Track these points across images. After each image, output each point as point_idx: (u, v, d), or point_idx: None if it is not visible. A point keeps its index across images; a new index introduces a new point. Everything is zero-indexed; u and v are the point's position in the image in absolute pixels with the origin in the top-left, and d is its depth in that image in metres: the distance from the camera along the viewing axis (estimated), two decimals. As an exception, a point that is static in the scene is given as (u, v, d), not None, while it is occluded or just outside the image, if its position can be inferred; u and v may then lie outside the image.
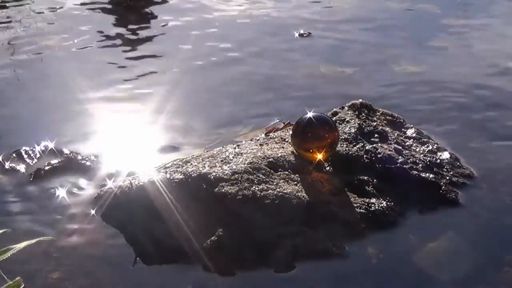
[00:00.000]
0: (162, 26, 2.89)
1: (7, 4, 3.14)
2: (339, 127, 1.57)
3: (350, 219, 1.32)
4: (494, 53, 2.53)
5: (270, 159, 1.42)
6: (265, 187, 1.32)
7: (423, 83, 2.20)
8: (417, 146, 1.61)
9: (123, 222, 1.35)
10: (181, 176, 1.34)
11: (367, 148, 1.50)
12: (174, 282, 1.21)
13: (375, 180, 1.43)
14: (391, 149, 1.53)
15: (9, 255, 0.91)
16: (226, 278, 1.21)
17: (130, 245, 1.30)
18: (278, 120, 1.84)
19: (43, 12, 3.03)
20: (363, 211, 1.34)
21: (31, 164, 1.61)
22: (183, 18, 3.00)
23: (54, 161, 1.60)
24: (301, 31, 2.73)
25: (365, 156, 1.48)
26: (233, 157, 1.43)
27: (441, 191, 1.44)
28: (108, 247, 1.30)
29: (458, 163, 1.58)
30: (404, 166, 1.48)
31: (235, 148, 1.50)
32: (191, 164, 1.41)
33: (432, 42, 2.67)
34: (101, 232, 1.34)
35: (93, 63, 2.37)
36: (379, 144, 1.54)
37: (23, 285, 0.89)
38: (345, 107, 1.70)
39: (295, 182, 1.37)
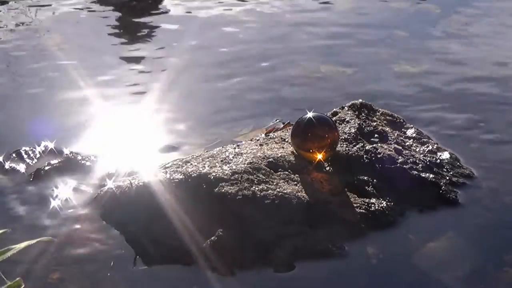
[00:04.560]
0: (162, 26, 2.89)
1: (6, 4, 3.14)
2: (339, 127, 1.57)
3: (350, 219, 1.32)
4: (494, 53, 2.53)
5: (270, 159, 1.42)
6: (265, 187, 1.32)
7: (423, 83, 2.20)
8: (417, 146, 1.61)
9: (123, 222, 1.35)
10: (181, 176, 1.34)
11: (367, 148, 1.50)
12: (174, 282, 1.21)
13: (375, 180, 1.43)
14: (391, 149, 1.53)
15: (9, 255, 0.91)
16: (226, 278, 1.21)
17: (130, 245, 1.30)
18: (278, 120, 1.84)
19: (42, 12, 3.03)
20: (363, 211, 1.34)
21: (31, 164, 1.61)
22: (184, 18, 3.00)
23: (54, 161, 1.60)
24: None
25: (365, 156, 1.48)
26: (233, 157, 1.43)
27: (441, 191, 1.44)
28: (108, 247, 1.30)
29: (458, 163, 1.58)
30: (404, 166, 1.48)
31: (235, 148, 1.50)
32: (191, 164, 1.41)
33: (432, 42, 2.67)
34: (101, 232, 1.34)
35: (92, 63, 2.37)
36: (379, 144, 1.54)
37: (23, 286, 0.89)
38: (345, 107, 1.70)
39: (295, 182, 1.37)
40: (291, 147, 1.49)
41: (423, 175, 1.47)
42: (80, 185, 1.51)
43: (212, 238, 1.23)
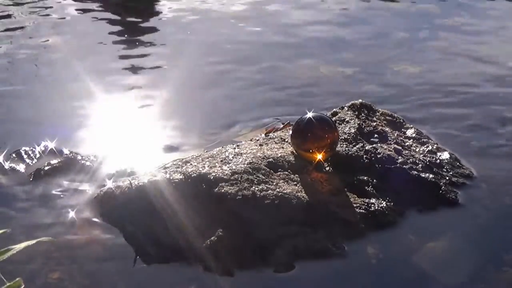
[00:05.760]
0: (162, 26, 2.89)
1: (6, 4, 3.14)
2: (339, 127, 1.57)
3: (350, 219, 1.32)
4: (494, 53, 2.54)
5: (270, 159, 1.42)
6: (265, 187, 1.32)
7: (422, 83, 2.20)
8: (417, 146, 1.61)
9: (123, 222, 1.35)
10: (181, 176, 1.34)
11: (367, 148, 1.50)
12: (174, 282, 1.21)
13: (375, 180, 1.43)
14: (391, 149, 1.53)
15: (9, 255, 0.91)
16: (226, 278, 1.21)
17: (130, 245, 1.30)
18: (278, 120, 1.84)
19: (42, 12, 3.03)
20: (363, 211, 1.34)
21: (31, 164, 1.61)
22: (183, 18, 3.00)
23: (54, 161, 1.60)
24: None
25: (365, 156, 1.48)
26: (232, 157, 1.43)
27: (441, 191, 1.44)
28: (108, 247, 1.30)
29: (458, 163, 1.58)
30: (404, 166, 1.48)
31: (234, 148, 1.50)
32: (191, 164, 1.41)
33: (432, 42, 2.67)
34: (101, 232, 1.34)
35: (92, 64, 2.37)
36: (379, 144, 1.54)
37: (23, 286, 0.89)
38: (345, 107, 1.70)
39: (295, 182, 1.37)
40: (291, 147, 1.49)
41: (423, 175, 1.47)
42: (80, 185, 1.51)
43: (212, 238, 1.23)
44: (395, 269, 1.24)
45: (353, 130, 1.56)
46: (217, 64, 2.38)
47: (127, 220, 1.35)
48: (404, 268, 1.24)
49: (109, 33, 2.76)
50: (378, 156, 1.48)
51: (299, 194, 1.32)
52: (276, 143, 1.54)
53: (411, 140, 1.63)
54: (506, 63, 2.43)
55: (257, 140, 1.58)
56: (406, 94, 2.10)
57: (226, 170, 1.35)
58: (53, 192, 1.49)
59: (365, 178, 1.43)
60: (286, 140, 1.55)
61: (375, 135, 1.59)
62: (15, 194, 1.49)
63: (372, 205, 1.36)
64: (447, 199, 1.43)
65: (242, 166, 1.37)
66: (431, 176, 1.47)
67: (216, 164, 1.39)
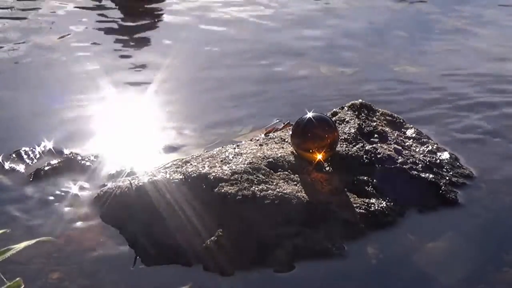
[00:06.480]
0: (162, 26, 2.89)
1: (7, 4, 3.14)
2: (339, 127, 1.57)
3: (350, 219, 1.32)
4: (494, 54, 2.53)
5: (270, 159, 1.42)
6: (265, 187, 1.32)
7: (422, 83, 2.20)
8: (417, 146, 1.61)
9: (123, 222, 1.35)
10: (181, 176, 1.34)
11: (367, 148, 1.50)
12: (174, 282, 1.21)
13: (375, 180, 1.43)
14: (391, 149, 1.53)
15: (8, 255, 0.91)
16: (226, 278, 1.21)
17: (130, 245, 1.30)
18: (278, 120, 1.83)
19: (42, 12, 3.03)
20: (363, 211, 1.34)
21: (31, 164, 1.61)
22: (183, 18, 3.00)
23: (54, 161, 1.60)
24: None
25: (365, 156, 1.48)
26: (232, 157, 1.43)
27: (440, 191, 1.44)
28: (108, 247, 1.30)
29: (458, 163, 1.58)
30: (404, 166, 1.48)
31: (234, 148, 1.50)
32: (191, 164, 1.41)
33: (432, 42, 2.67)
34: (101, 232, 1.34)
35: (92, 64, 2.37)
36: (379, 144, 1.54)
37: (23, 286, 0.89)
38: (345, 107, 1.70)
39: (295, 182, 1.37)
40: (291, 147, 1.49)
41: (423, 175, 1.47)
42: (80, 185, 1.51)
43: (212, 238, 1.23)
44: (395, 269, 1.24)
45: (353, 130, 1.56)
46: (217, 63, 2.38)
47: (127, 220, 1.35)
48: (404, 268, 1.24)
49: (109, 33, 2.76)
50: (378, 156, 1.48)
51: (299, 194, 1.32)
52: (276, 143, 1.54)
53: (411, 140, 1.63)
54: (508, 62, 2.43)
55: (257, 140, 1.58)
56: (406, 94, 2.10)
57: (226, 170, 1.35)
58: (53, 192, 1.48)
59: (365, 178, 1.43)
60: (286, 140, 1.55)
61: (375, 135, 1.59)
62: (15, 194, 1.49)
63: (372, 205, 1.36)
64: (447, 199, 1.43)
65: (242, 166, 1.37)
66: (431, 176, 1.47)
67: (216, 164, 1.39)
